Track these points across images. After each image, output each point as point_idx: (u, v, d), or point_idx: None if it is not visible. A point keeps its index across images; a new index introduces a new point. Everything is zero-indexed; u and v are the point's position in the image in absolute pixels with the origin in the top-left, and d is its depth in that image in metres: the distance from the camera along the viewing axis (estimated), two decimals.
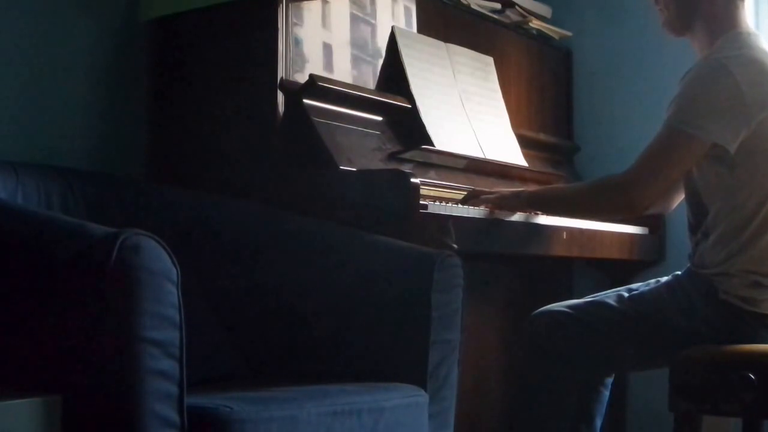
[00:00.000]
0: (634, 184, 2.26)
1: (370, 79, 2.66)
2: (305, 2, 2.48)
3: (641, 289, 2.40)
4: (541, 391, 2.37)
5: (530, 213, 2.53)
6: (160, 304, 1.63)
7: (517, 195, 2.47)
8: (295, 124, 2.39)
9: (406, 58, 2.70)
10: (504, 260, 2.96)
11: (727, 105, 2.20)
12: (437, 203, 2.31)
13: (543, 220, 2.58)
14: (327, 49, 2.54)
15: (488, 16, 3.09)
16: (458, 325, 2.11)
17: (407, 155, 2.57)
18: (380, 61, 2.69)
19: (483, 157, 2.79)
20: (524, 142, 3.04)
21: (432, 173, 2.61)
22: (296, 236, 2.27)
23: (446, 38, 2.89)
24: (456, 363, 2.12)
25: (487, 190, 2.52)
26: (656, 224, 3.13)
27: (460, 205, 2.39)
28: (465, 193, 2.50)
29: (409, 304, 2.08)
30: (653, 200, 2.30)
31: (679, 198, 2.51)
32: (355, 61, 2.62)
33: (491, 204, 2.43)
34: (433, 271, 2.06)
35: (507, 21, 3.16)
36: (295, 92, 2.40)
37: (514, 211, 2.48)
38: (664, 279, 2.39)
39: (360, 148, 2.47)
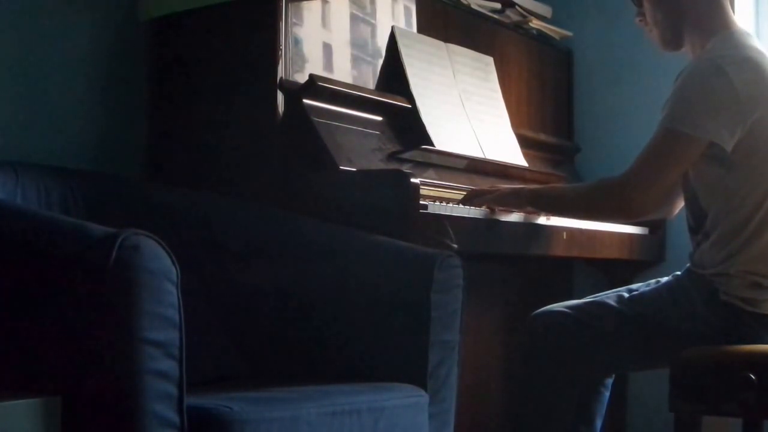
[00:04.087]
0: (632, 187, 2.25)
1: (370, 79, 2.66)
2: (305, 2, 2.48)
3: (641, 289, 2.39)
4: (541, 392, 2.36)
5: (530, 213, 2.53)
6: (160, 304, 1.63)
7: (516, 193, 2.47)
8: (295, 124, 2.39)
9: (406, 58, 2.70)
10: (504, 260, 2.96)
11: (721, 103, 2.19)
12: (437, 203, 2.31)
13: (543, 220, 2.58)
14: (327, 49, 2.54)
15: (488, 16, 3.09)
16: (458, 326, 2.11)
17: (407, 155, 2.57)
18: (380, 61, 2.69)
19: (483, 157, 2.79)
20: (524, 142, 3.04)
21: (432, 173, 2.61)
22: (296, 236, 2.27)
23: (446, 38, 2.89)
24: (456, 363, 2.12)
25: (487, 188, 2.52)
26: (656, 224, 3.13)
27: (460, 205, 2.39)
28: (465, 193, 2.50)
29: (408, 304, 2.08)
30: (652, 203, 2.29)
31: (681, 203, 2.49)
32: (355, 61, 2.62)
33: (491, 203, 2.43)
34: (433, 271, 2.06)
35: (507, 21, 3.16)
36: (295, 92, 2.40)
37: (513, 210, 2.48)
38: (664, 279, 2.39)
39: (360, 148, 2.47)
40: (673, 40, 2.41)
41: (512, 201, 2.46)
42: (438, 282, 2.06)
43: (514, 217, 2.49)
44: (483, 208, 2.42)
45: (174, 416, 1.63)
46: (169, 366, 1.64)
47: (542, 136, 3.25)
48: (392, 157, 2.54)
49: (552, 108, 3.38)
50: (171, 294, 1.64)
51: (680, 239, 2.59)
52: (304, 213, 2.30)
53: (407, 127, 2.64)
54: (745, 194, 2.22)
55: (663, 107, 2.27)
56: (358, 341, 2.13)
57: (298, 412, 1.77)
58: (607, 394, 2.49)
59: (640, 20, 2.45)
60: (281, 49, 2.40)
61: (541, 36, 3.32)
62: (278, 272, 2.23)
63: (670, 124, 2.23)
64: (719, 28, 2.31)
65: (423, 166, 2.60)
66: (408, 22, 2.79)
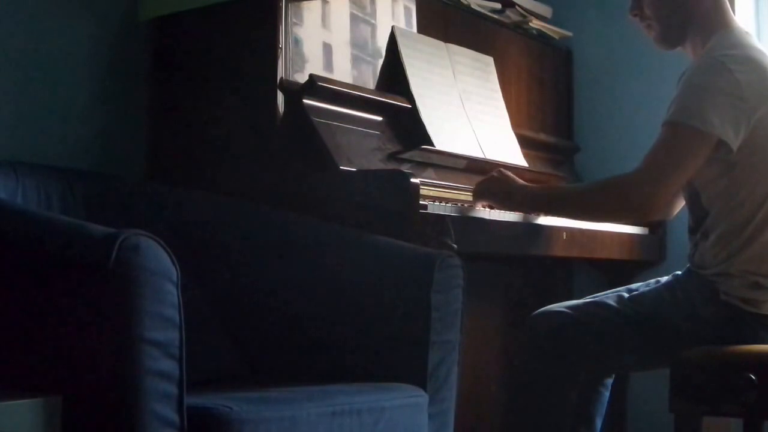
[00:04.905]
0: (645, 184, 2.21)
1: (370, 79, 2.66)
2: (305, 2, 2.48)
3: (641, 289, 2.39)
4: (541, 392, 2.36)
5: (531, 213, 2.52)
6: (160, 304, 1.63)
7: (522, 193, 2.44)
8: (295, 124, 2.39)
9: (406, 58, 2.70)
10: (504, 260, 2.96)
11: (727, 100, 2.18)
12: (437, 203, 2.31)
13: (543, 220, 2.58)
14: (327, 49, 2.54)
15: (488, 16, 3.09)
16: (458, 326, 2.11)
17: (407, 155, 2.57)
18: (380, 61, 2.69)
19: (483, 157, 2.79)
20: (524, 142, 3.04)
21: (432, 173, 2.61)
22: (296, 236, 2.27)
23: (446, 38, 2.89)
24: (456, 363, 2.12)
25: (496, 176, 2.47)
26: (656, 224, 3.13)
27: (460, 205, 2.39)
28: (465, 193, 2.50)
29: (409, 305, 2.07)
30: (664, 201, 2.25)
31: (681, 203, 2.48)
32: (355, 61, 2.62)
33: (498, 204, 2.42)
34: (433, 271, 2.06)
35: (507, 21, 3.16)
36: (295, 92, 2.40)
37: (517, 209, 2.48)
38: (664, 279, 2.39)
39: (360, 148, 2.47)
40: (673, 38, 2.39)
41: (516, 203, 2.44)
42: (438, 282, 2.06)
43: (514, 217, 2.49)
44: (484, 208, 2.42)
45: (174, 416, 1.63)
46: (169, 366, 1.64)
47: (542, 136, 3.25)
48: (392, 157, 2.54)
49: (552, 108, 3.37)
50: (171, 294, 1.65)
51: (680, 239, 2.59)
52: (304, 213, 2.30)
53: (407, 127, 2.64)
54: (746, 194, 2.22)
55: (668, 108, 2.25)
56: (358, 341, 2.13)
57: (297, 412, 1.77)
58: (607, 394, 2.49)
59: (635, 14, 2.43)
60: (281, 49, 2.40)
61: (541, 36, 3.32)
62: (278, 272, 2.23)
63: (677, 120, 2.20)
64: (720, 28, 2.31)
65: (423, 166, 2.60)
66: (408, 22, 2.79)
